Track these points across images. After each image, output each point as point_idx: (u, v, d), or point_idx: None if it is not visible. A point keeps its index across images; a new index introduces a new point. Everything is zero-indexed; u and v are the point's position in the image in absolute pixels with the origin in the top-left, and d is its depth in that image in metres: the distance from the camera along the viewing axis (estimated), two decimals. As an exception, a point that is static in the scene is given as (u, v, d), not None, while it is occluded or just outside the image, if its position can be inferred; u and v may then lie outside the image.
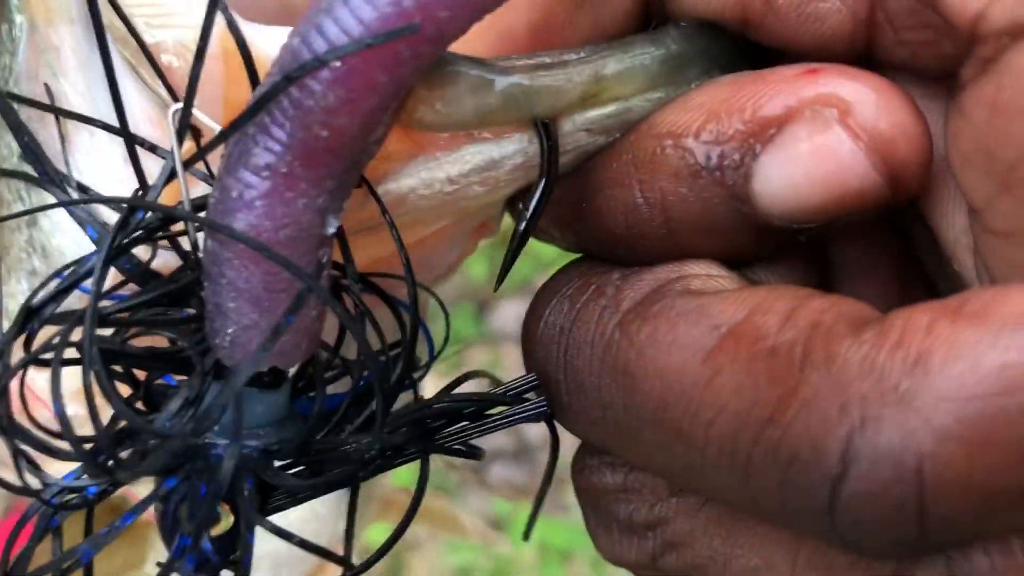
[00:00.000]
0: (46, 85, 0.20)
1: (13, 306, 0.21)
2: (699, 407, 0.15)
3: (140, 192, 0.17)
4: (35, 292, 0.17)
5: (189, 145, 0.17)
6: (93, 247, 0.17)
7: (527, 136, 0.18)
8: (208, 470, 0.16)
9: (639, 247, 0.18)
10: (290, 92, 0.15)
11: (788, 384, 0.14)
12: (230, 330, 0.16)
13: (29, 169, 0.18)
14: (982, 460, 0.13)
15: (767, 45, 0.18)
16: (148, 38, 0.18)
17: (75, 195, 0.18)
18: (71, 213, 0.17)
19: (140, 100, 0.19)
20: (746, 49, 0.18)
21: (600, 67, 0.17)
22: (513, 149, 0.18)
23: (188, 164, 0.17)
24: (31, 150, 0.19)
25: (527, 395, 0.19)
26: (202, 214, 0.16)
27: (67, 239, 0.20)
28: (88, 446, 0.16)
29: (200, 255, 0.16)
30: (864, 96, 0.16)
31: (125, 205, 0.16)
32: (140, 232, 0.16)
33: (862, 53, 0.17)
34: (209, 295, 0.16)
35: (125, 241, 0.16)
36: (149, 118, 0.19)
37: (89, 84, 0.20)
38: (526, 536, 0.25)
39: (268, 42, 0.17)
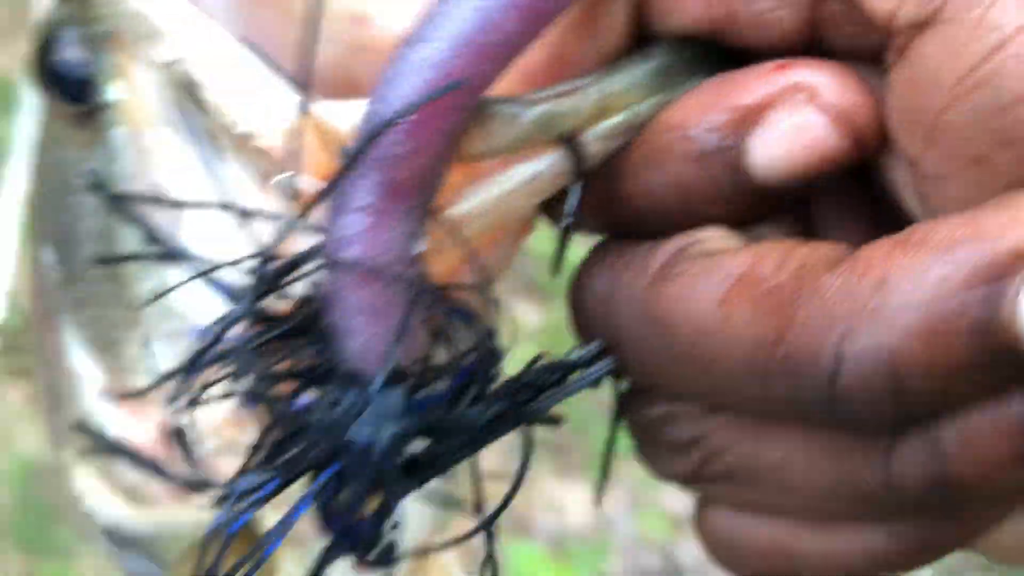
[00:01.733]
0: (153, 181, 0.24)
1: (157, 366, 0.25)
2: (721, 339, 0.20)
3: (260, 251, 0.21)
4: (203, 337, 0.21)
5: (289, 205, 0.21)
6: (218, 302, 0.22)
7: (558, 152, 0.21)
8: (359, 458, 0.20)
9: (660, 222, 0.22)
10: (375, 147, 0.19)
11: (787, 313, 0.19)
12: (358, 343, 0.20)
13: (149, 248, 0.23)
14: (935, 348, 0.17)
15: (739, 50, 0.21)
16: (243, 127, 0.22)
17: (194, 264, 0.22)
18: (206, 279, 0.21)
19: (238, 177, 0.23)
20: (721, 54, 0.22)
21: (607, 87, 0.21)
22: (548, 164, 0.22)
23: (298, 219, 0.21)
24: (154, 236, 0.23)
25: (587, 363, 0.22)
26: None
27: (195, 301, 0.24)
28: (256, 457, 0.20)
29: (321, 290, 0.20)
30: (825, 80, 0.20)
31: (258, 259, 0.20)
32: (267, 282, 0.21)
33: (815, 46, 0.21)
34: (336, 319, 0.20)
35: (263, 288, 0.20)
36: (245, 191, 0.23)
37: (187, 172, 0.24)
38: (600, 490, 0.27)
39: (338, 115, 0.21)
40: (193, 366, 0.21)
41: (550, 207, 0.24)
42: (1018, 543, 0.23)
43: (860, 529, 0.22)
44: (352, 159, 0.19)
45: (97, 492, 0.30)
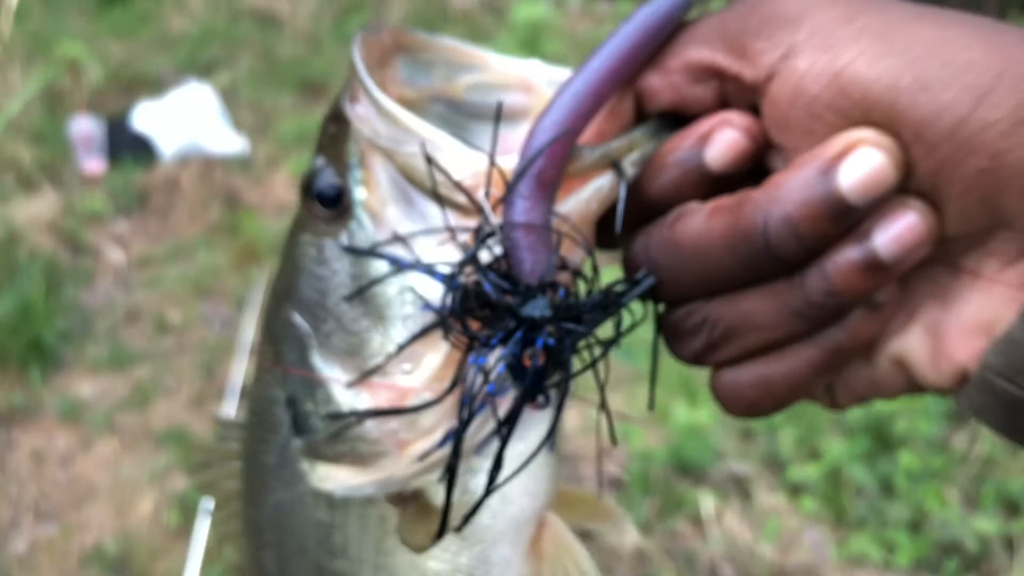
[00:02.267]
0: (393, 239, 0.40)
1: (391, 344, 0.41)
2: (708, 239, 0.37)
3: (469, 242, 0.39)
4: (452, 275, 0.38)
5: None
6: (433, 289, 0.39)
7: (610, 173, 0.39)
8: (534, 328, 0.37)
9: (665, 204, 0.40)
10: (534, 164, 0.37)
11: (738, 212, 0.37)
12: (528, 267, 0.37)
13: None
14: (808, 208, 0.35)
15: (688, 116, 0.40)
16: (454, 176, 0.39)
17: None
18: (428, 272, 0.39)
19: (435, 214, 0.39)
20: (679, 119, 0.40)
21: (632, 136, 0.39)
22: (606, 180, 0.39)
23: (495, 207, 0.38)
24: (395, 261, 0.40)
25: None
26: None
27: (417, 286, 0.40)
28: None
29: (504, 242, 0.38)
30: (737, 115, 0.38)
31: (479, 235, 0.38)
32: (481, 245, 0.38)
33: (723, 107, 0.39)
34: (514, 257, 0.37)
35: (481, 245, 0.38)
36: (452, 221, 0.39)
37: (409, 222, 0.40)
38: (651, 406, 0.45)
39: (505, 161, 0.38)
40: (452, 279, 0.38)
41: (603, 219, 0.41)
42: (866, 382, 0.40)
43: (801, 347, 0.38)
44: (520, 173, 0.37)
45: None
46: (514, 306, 0.36)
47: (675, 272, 0.38)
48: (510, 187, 0.36)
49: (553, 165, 0.36)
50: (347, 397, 0.41)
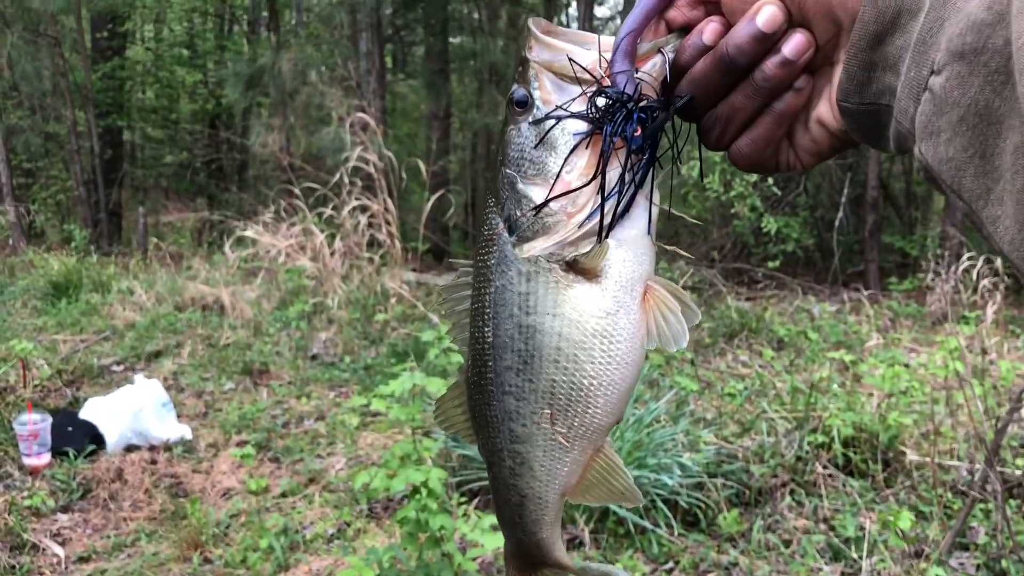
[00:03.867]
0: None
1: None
2: (705, 69, 0.66)
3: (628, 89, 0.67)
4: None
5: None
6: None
7: (660, 56, 0.69)
8: (650, 107, 0.67)
9: (688, 67, 0.69)
10: (622, 45, 0.67)
11: (716, 49, 0.66)
12: (627, 88, 0.66)
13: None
14: (747, 34, 0.64)
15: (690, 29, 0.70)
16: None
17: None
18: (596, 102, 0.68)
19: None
20: (685, 31, 0.70)
21: (668, 38, 0.70)
22: (659, 59, 0.69)
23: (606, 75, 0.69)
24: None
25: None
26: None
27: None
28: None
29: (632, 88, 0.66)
30: (708, 23, 0.68)
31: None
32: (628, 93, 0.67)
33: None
34: (618, 87, 0.66)
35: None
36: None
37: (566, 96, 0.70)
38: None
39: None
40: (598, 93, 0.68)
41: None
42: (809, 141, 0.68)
43: (764, 117, 0.67)
44: (616, 49, 0.67)
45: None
46: (626, 100, 0.66)
47: (696, 90, 0.67)
48: (612, 60, 0.67)
49: (631, 46, 0.66)
50: (538, 196, 0.70)
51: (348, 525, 3.41)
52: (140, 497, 3.70)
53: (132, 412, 4.20)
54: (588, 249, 0.68)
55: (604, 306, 0.69)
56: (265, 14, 14.11)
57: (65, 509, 3.59)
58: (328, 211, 7.06)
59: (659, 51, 0.67)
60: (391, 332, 5.99)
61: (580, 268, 0.69)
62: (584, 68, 0.67)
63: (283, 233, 7.27)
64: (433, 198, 6.73)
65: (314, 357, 5.80)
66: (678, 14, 0.69)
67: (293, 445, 4.24)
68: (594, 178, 0.67)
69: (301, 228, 7.21)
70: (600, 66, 0.67)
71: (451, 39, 12.52)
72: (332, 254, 6.95)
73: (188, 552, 3.20)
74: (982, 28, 0.49)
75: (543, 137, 0.69)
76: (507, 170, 0.71)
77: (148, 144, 16.62)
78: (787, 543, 3.15)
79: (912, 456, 3.67)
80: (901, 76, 0.56)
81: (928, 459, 3.55)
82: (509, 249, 0.71)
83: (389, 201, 6.82)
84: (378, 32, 11.16)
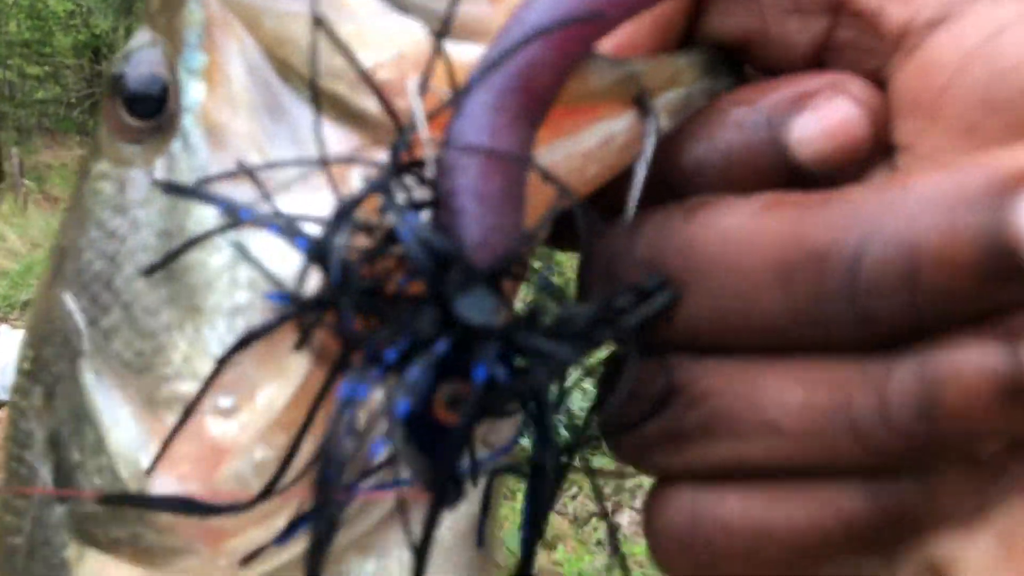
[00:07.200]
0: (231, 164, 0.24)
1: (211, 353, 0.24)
2: (751, 248, 0.21)
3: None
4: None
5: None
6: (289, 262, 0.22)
7: (631, 113, 0.24)
8: (467, 333, 0.20)
9: (700, 187, 0.24)
10: (513, 58, 0.21)
11: (813, 213, 0.21)
12: (475, 232, 0.20)
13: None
14: (950, 241, 0.19)
15: (757, 67, 0.26)
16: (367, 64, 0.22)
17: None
18: (285, 235, 0.22)
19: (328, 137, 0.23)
20: (736, 67, 0.26)
21: (676, 63, 0.25)
22: (623, 124, 0.24)
23: (433, 117, 0.21)
24: (232, 207, 0.23)
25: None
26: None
27: (266, 266, 0.23)
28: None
29: (440, 179, 0.21)
30: (857, 82, 0.23)
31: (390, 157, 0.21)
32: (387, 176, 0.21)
33: (817, 68, 0.24)
34: (455, 210, 0.20)
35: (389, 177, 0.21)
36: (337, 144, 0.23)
37: (272, 144, 0.24)
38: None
39: (462, 52, 0.22)
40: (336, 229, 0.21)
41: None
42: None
43: (838, 489, 0.22)
44: (488, 66, 0.21)
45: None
46: (446, 293, 0.20)
47: (692, 276, 0.24)
48: (465, 89, 0.22)
49: (546, 69, 0.22)
50: (127, 446, 0.27)
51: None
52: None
53: (0, 366, 3.78)
54: None
55: None
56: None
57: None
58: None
59: (637, 101, 0.26)
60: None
61: None
62: (361, 73, 0.23)
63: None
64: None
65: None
66: None
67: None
68: (302, 432, 0.23)
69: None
70: (428, 72, 0.23)
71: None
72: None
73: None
74: None
75: (174, 256, 0.25)
76: (65, 297, 0.30)
77: (27, 81, 15.31)
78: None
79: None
80: None
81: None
82: (55, 526, 0.30)
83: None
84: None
